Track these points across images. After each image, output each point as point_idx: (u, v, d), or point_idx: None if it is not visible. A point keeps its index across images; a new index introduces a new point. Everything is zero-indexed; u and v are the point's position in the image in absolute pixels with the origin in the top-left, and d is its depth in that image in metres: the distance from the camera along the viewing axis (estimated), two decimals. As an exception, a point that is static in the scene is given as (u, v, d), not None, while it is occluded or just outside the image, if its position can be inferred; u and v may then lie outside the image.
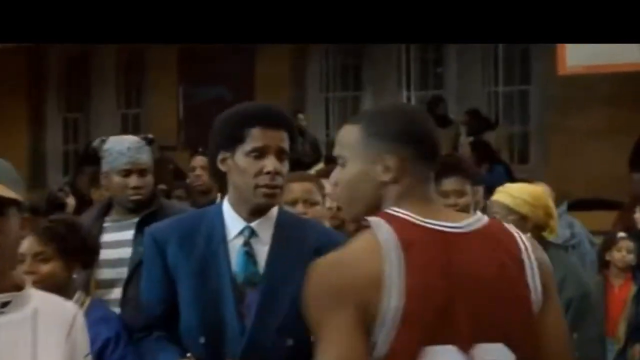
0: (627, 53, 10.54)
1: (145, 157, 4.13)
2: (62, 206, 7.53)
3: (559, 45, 11.02)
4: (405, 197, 2.24)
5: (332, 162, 6.17)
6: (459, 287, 2.15)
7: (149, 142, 4.19)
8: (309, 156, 12.47)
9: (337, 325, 2.09)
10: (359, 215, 2.30)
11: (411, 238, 2.16)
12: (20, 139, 16.39)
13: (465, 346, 2.13)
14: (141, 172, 4.09)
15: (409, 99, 14.60)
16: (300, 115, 13.83)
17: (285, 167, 2.97)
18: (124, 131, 16.26)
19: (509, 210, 4.12)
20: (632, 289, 6.30)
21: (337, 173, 2.35)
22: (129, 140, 4.22)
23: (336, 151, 2.33)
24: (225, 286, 2.91)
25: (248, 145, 2.90)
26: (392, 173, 2.25)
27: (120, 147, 4.11)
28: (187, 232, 2.99)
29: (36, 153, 16.78)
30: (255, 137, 2.90)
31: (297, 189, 3.92)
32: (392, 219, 2.20)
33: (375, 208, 2.25)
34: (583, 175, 11.94)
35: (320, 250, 2.90)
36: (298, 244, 2.97)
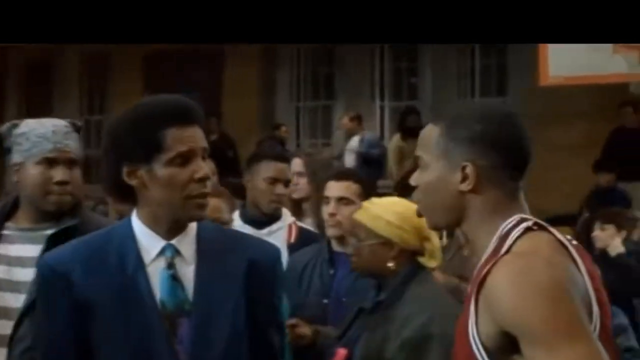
0: (610, 64, 10.24)
1: (74, 144, 3.19)
2: None
3: (541, 55, 10.71)
4: (498, 209, 2.06)
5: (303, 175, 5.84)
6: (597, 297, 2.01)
7: (77, 129, 3.25)
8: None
9: (589, 333, 1.88)
10: (441, 223, 2.19)
11: (573, 245, 2.03)
12: (-22, 145, 15.96)
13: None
14: (69, 163, 3.17)
15: (382, 109, 14.31)
16: (283, 128, 13.57)
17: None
18: (87, 137, 15.92)
19: (369, 232, 3.45)
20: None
21: (417, 175, 2.16)
22: (53, 122, 3.23)
23: (416, 151, 2.17)
24: (152, 319, 2.43)
25: (170, 152, 2.40)
26: (471, 183, 2.07)
27: (44, 131, 3.16)
28: (94, 258, 2.47)
29: (-4, 159, 16.37)
30: (176, 141, 2.41)
31: None
32: (536, 223, 2.03)
33: (459, 218, 2.10)
34: (561, 190, 11.67)
35: (256, 262, 2.52)
36: (227, 257, 2.52)
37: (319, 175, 4.77)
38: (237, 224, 4.39)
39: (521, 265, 1.89)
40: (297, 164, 5.16)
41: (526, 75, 11.97)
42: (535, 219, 2.03)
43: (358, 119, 12.87)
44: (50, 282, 2.47)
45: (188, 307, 2.45)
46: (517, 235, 1.98)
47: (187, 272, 2.48)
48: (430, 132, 2.13)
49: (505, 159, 2.07)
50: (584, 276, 1.96)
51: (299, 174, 5.14)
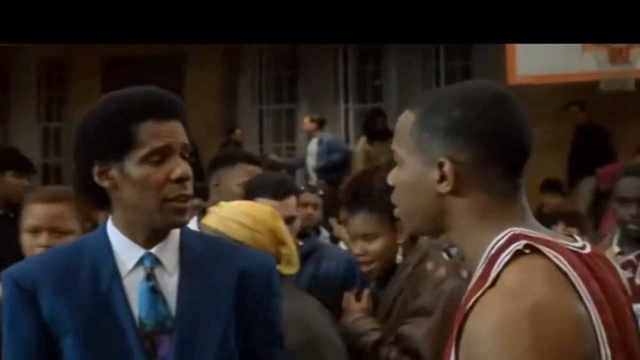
0: (579, 62, 10.14)
1: None
2: None
3: (509, 54, 10.60)
4: (487, 215, 1.69)
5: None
6: (619, 319, 1.65)
7: None
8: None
9: None
10: (420, 229, 1.82)
11: (577, 265, 1.63)
12: None
13: None
14: None
15: (346, 111, 14.14)
16: (238, 131, 13.30)
17: (190, 170, 2.24)
18: (45, 145, 15.62)
19: (221, 236, 3.09)
20: None
21: (393, 172, 1.80)
22: None
23: (392, 144, 1.80)
24: (129, 338, 2.18)
25: (143, 148, 2.16)
26: (450, 184, 1.69)
27: None
28: (64, 273, 2.22)
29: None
30: (151, 135, 2.16)
31: (40, 212, 3.01)
32: (539, 241, 1.63)
33: (441, 224, 1.73)
34: (530, 188, 11.57)
35: (247, 274, 2.27)
36: (214, 269, 2.27)
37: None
38: None
39: (505, 315, 1.54)
40: None
41: (491, 76, 11.86)
42: (529, 237, 1.65)
43: (319, 122, 12.70)
44: (14, 300, 2.22)
45: (170, 323, 2.21)
46: (505, 260, 1.61)
47: (169, 284, 2.23)
48: (405, 121, 1.75)
49: (492, 153, 1.68)
50: (590, 311, 1.59)
51: None
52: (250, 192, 3.66)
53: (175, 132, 2.20)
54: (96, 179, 2.19)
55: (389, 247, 3.33)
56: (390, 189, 3.21)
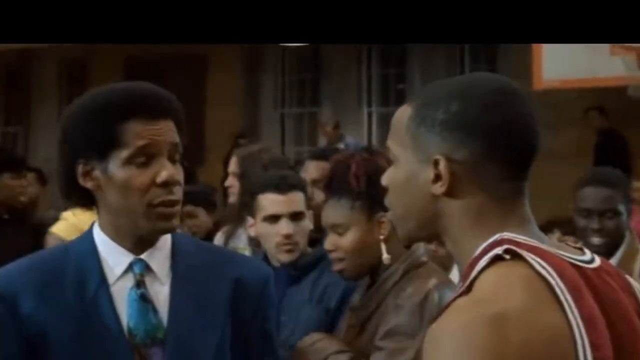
0: (607, 67, 9.94)
1: None
2: None
3: (535, 59, 10.42)
4: (484, 220, 1.54)
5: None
6: (620, 341, 1.50)
7: None
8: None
9: None
10: (413, 235, 1.63)
11: (569, 277, 1.48)
12: (-46, 154, 15.68)
13: None
14: None
15: (369, 115, 14.04)
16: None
17: (181, 173, 2.09)
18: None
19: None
20: None
21: (388, 172, 1.65)
22: None
23: (387, 140, 1.65)
24: (118, 350, 2.03)
25: (127, 149, 2.01)
26: (444, 184, 1.54)
27: None
28: (47, 280, 2.06)
29: (-28, 169, 16.09)
30: (136, 135, 2.01)
31: None
32: (526, 247, 1.48)
33: (436, 230, 1.59)
34: (552, 198, 11.44)
35: (243, 282, 2.13)
36: (208, 277, 2.13)
37: (249, 175, 4.10)
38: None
39: (465, 322, 1.40)
40: (233, 162, 4.42)
41: (516, 81, 11.76)
42: (515, 242, 1.50)
43: (337, 126, 12.69)
44: None
45: (161, 334, 2.06)
46: (482, 265, 1.47)
47: (160, 293, 2.09)
48: (402, 114, 1.61)
49: (492, 152, 1.53)
50: (574, 326, 1.44)
51: (235, 175, 4.36)
52: (254, 190, 3.35)
53: (162, 131, 2.04)
54: (80, 179, 2.05)
55: (363, 242, 2.81)
56: (370, 173, 2.82)
